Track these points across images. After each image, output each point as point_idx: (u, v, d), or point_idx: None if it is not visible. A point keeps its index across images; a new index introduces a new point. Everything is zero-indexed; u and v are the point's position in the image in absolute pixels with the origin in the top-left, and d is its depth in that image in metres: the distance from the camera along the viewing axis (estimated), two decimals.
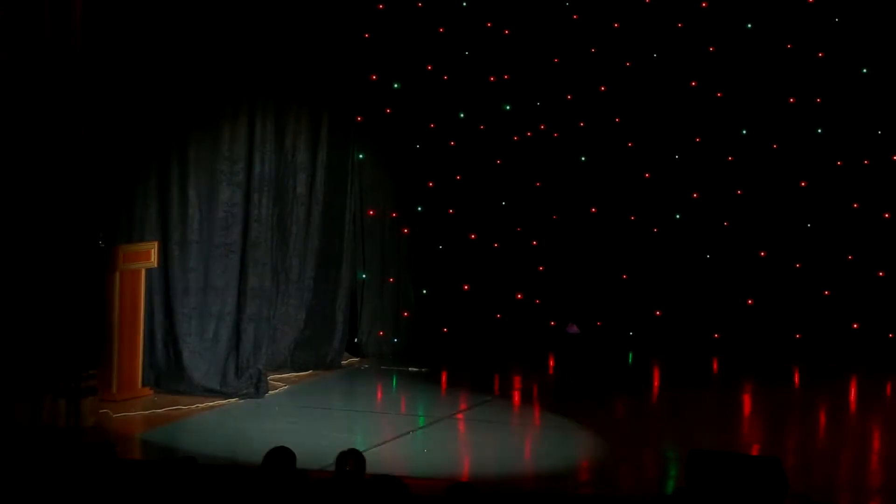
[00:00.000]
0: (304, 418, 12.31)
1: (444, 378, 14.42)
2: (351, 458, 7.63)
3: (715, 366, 15.03)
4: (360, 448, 10.92)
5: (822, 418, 13.01)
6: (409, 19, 15.26)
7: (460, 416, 12.88)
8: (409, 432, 12.11)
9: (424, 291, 15.55)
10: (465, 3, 15.57)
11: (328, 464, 8.83)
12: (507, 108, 15.68)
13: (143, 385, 12.74)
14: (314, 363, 14.29)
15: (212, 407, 12.57)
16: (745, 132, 15.31)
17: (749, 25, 15.21)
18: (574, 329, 15.68)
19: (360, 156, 15.02)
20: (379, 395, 13.85)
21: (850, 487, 10.82)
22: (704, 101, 15.36)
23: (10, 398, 11.31)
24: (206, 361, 12.97)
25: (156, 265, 12.78)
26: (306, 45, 13.95)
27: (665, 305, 15.54)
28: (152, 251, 12.73)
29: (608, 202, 15.67)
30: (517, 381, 14.30)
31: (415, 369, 14.44)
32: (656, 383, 14.47)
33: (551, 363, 15.10)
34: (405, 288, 15.45)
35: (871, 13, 14.90)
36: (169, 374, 12.94)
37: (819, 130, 15.14)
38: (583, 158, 15.68)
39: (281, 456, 7.56)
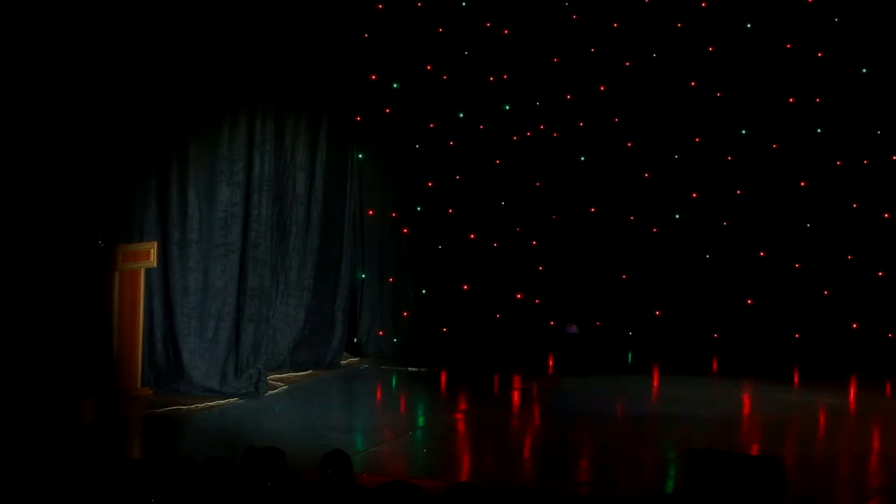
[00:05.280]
0: (303, 418, 12.30)
1: (443, 378, 14.41)
2: (335, 460, 7.55)
3: (715, 366, 15.02)
4: (359, 448, 10.97)
5: (822, 418, 12.99)
6: (409, 19, 15.25)
7: (460, 416, 12.88)
8: (409, 432, 12.10)
9: (424, 291, 15.54)
10: (464, 3, 15.57)
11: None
12: (507, 108, 15.67)
13: (143, 385, 12.73)
14: (314, 363, 14.29)
15: (212, 407, 12.56)
16: (744, 132, 15.31)
17: (749, 25, 15.20)
18: (573, 329, 15.68)
19: (360, 156, 15.02)
20: (379, 395, 13.84)
21: (850, 487, 10.80)
22: (704, 101, 15.36)
23: (11, 398, 11.29)
24: (206, 361, 12.96)
25: (155, 265, 12.77)
26: (306, 45, 13.95)
27: (665, 305, 15.53)
28: (152, 251, 12.72)
29: (608, 202, 15.67)
30: (517, 381, 14.29)
31: (414, 369, 14.43)
32: (656, 383, 14.46)
33: (551, 363, 15.09)
34: (405, 288, 15.44)
35: (871, 13, 14.89)
36: (169, 373, 12.93)
37: (819, 130, 15.13)
38: (582, 158, 15.69)
39: (269, 456, 7.47)
